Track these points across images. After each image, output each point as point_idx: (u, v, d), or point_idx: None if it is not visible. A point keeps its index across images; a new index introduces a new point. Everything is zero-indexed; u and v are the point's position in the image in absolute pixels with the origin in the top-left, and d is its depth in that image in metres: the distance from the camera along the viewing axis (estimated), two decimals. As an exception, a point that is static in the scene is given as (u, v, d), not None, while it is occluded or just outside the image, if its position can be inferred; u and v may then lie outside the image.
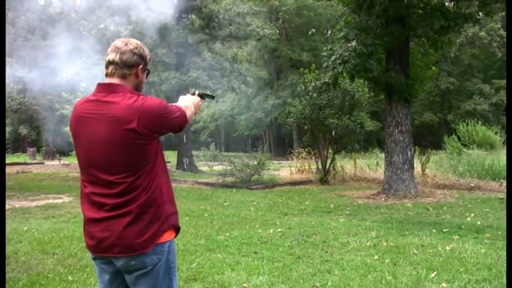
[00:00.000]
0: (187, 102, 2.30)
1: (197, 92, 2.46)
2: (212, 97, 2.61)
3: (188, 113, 2.22)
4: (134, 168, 1.97)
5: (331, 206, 9.03)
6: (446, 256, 4.74)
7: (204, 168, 19.96)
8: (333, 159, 13.90)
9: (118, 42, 2.08)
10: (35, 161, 26.60)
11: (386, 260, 4.66)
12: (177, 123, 2.11)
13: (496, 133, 21.01)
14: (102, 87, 2.04)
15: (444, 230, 6.13)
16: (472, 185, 11.32)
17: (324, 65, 10.56)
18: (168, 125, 2.07)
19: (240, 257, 4.94)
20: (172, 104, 2.18)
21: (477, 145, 18.76)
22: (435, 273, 4.16)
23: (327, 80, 10.60)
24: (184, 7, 17.07)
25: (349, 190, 11.74)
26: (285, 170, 17.22)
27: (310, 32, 36.90)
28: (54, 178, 16.46)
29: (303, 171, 16.00)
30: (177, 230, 2.15)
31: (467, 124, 21.44)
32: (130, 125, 1.92)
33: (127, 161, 1.96)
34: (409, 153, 10.44)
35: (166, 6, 12.60)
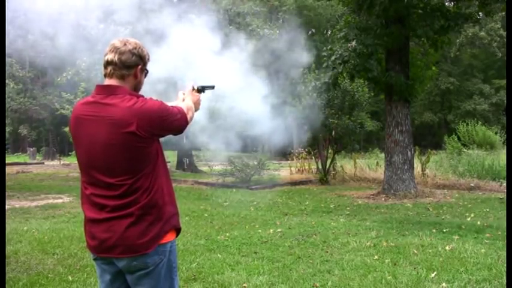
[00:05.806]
0: (188, 103, 2.28)
1: (196, 87, 2.39)
2: (212, 87, 2.52)
3: (190, 114, 2.21)
4: (135, 170, 1.96)
5: (331, 206, 9.02)
6: (446, 256, 4.74)
7: (204, 168, 19.94)
8: (333, 159, 13.90)
9: (117, 42, 2.04)
10: (35, 161, 26.57)
11: (386, 260, 4.66)
12: (178, 125, 2.10)
13: (496, 133, 21.03)
14: (101, 89, 2.02)
15: (444, 230, 6.13)
16: (472, 185, 11.32)
17: (324, 65, 10.57)
18: (168, 128, 2.06)
19: (240, 257, 4.94)
20: (173, 105, 2.15)
21: (477, 145, 18.78)
22: (435, 273, 4.16)
23: (327, 80, 10.60)
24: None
25: (349, 190, 11.73)
26: (285, 170, 17.22)
27: (310, 32, 36.88)
28: (54, 178, 16.44)
29: (303, 171, 16.00)
30: (178, 230, 2.15)
31: (467, 124, 21.46)
32: (130, 128, 1.90)
33: (127, 163, 1.95)
34: (409, 153, 10.44)
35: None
